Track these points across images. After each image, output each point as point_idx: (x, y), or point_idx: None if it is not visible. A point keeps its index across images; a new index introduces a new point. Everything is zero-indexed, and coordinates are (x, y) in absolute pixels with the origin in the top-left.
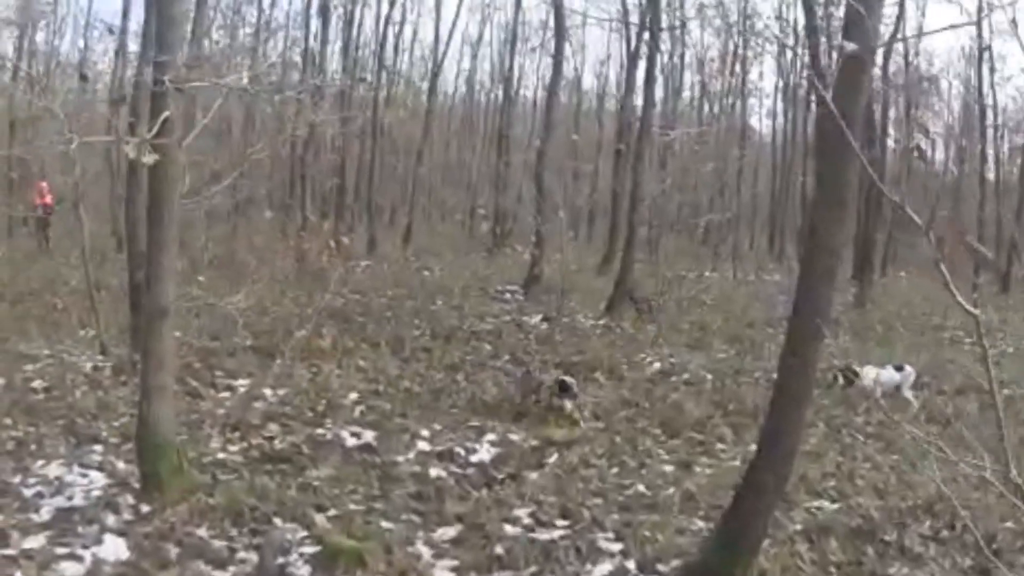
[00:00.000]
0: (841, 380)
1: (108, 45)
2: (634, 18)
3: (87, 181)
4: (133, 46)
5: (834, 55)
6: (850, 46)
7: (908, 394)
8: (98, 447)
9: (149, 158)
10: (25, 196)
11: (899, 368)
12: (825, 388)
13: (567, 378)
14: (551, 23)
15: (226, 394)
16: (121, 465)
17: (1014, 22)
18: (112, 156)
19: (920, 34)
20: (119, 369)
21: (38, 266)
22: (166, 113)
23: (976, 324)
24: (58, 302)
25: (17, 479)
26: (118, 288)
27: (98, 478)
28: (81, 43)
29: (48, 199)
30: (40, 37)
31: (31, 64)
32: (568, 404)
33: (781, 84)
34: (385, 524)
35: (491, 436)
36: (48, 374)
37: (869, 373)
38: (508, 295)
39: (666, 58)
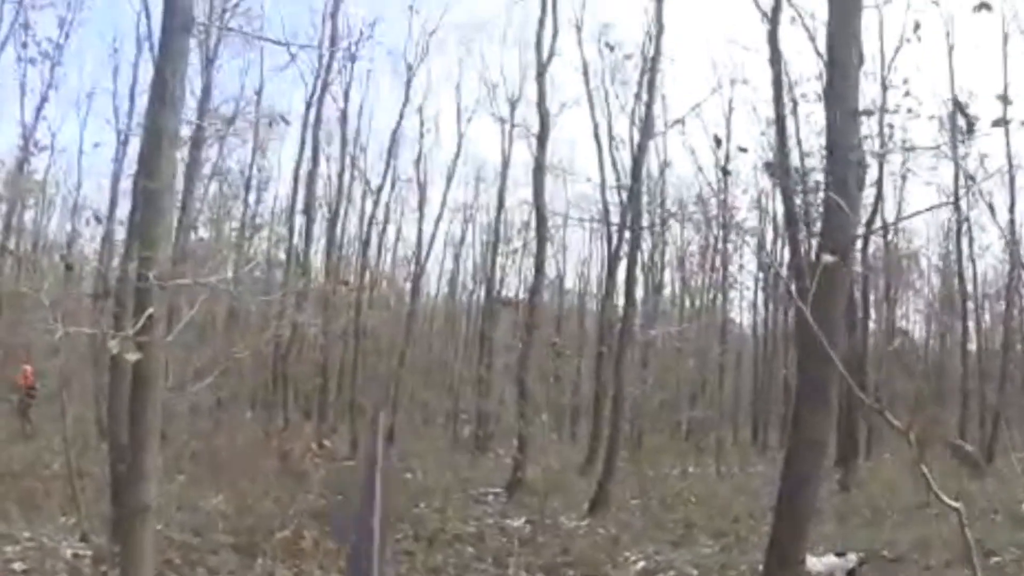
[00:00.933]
0: None
1: (95, 231)
2: (615, 218)
3: (72, 365)
4: (120, 234)
5: (814, 243)
6: (827, 258)
7: None
8: None
9: (132, 356)
10: (8, 376)
11: (840, 554)
12: None
13: None
14: (533, 224)
15: None
16: None
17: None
18: (97, 343)
19: (898, 220)
20: (99, 559)
21: (20, 448)
22: (150, 310)
23: (959, 516)
24: (39, 486)
25: None
26: (100, 477)
27: None
28: (69, 226)
29: (31, 381)
30: (28, 216)
31: (18, 243)
32: None
33: (761, 276)
34: None
35: None
36: (28, 557)
37: (814, 564)
38: (491, 497)
39: (646, 256)
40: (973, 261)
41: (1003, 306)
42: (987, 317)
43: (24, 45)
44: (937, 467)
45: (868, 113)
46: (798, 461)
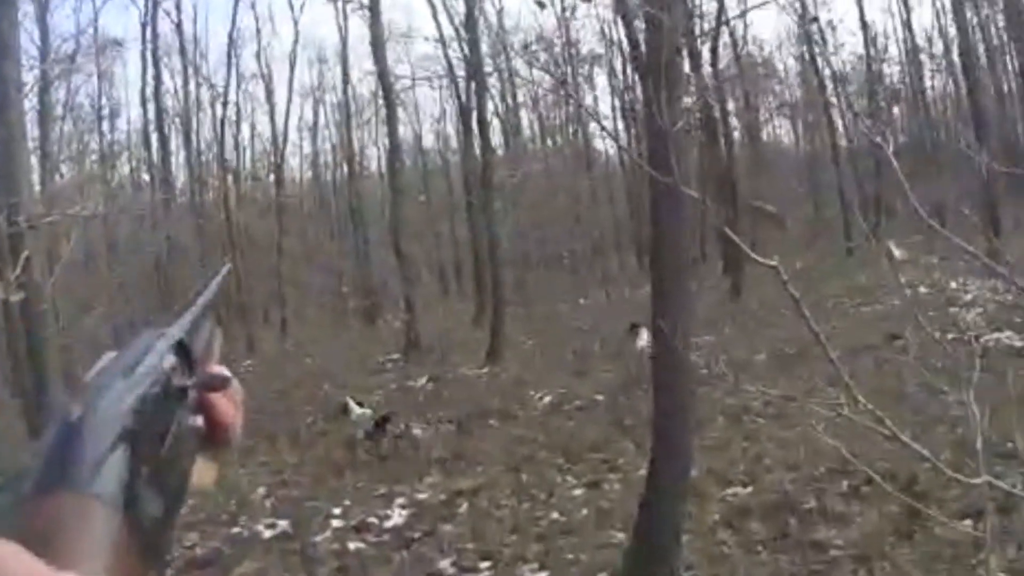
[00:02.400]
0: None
1: None
2: (460, 72)
3: None
4: None
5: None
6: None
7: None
8: None
9: (15, 297)
10: None
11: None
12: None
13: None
14: (381, 93)
15: None
16: None
17: None
18: None
19: (732, 18)
20: None
21: None
22: (25, 253)
23: (778, 272)
24: None
25: None
26: (15, 431)
27: None
28: None
29: None
30: None
31: None
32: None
33: (617, 104)
34: None
35: (400, 500)
36: None
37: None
38: (389, 364)
39: (499, 100)
40: (828, 60)
41: (865, 100)
42: (851, 114)
43: None
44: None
45: None
46: (662, 267)
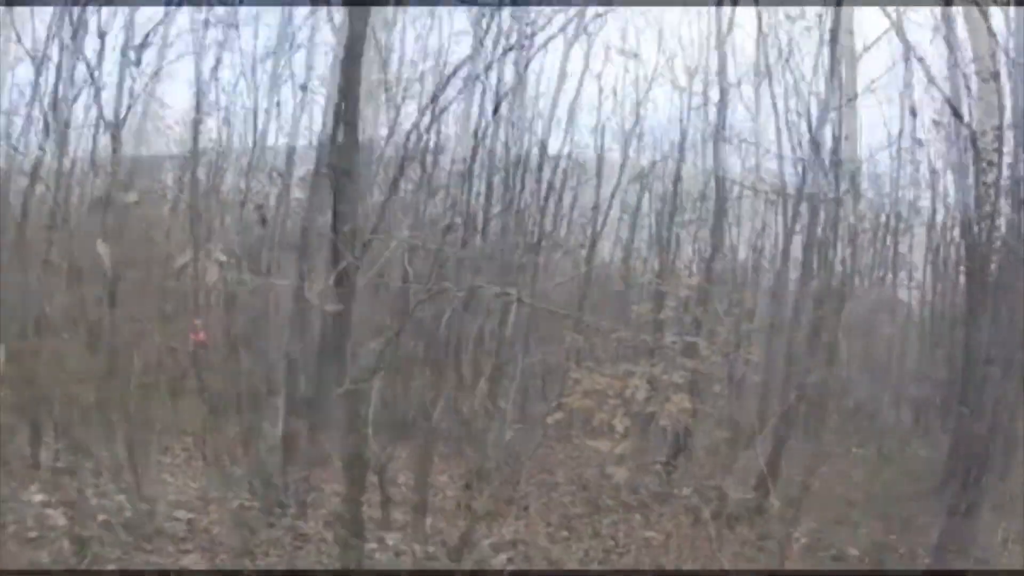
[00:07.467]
0: None
1: (273, 189)
2: (791, 191)
3: (244, 320)
4: (296, 192)
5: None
6: None
7: None
8: None
9: (332, 307)
10: (179, 331)
11: None
12: None
13: None
14: (707, 194)
15: None
16: None
17: None
18: (270, 298)
19: None
20: (266, 510)
21: (189, 403)
22: (343, 263)
23: None
24: (208, 439)
25: None
26: (270, 430)
27: None
28: (243, 184)
29: (202, 336)
30: (202, 174)
31: (192, 198)
32: None
33: (931, 257)
34: None
35: None
36: (194, 508)
37: None
38: (658, 466)
39: (819, 231)
40: None
41: None
42: None
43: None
44: None
45: None
46: (967, 446)
